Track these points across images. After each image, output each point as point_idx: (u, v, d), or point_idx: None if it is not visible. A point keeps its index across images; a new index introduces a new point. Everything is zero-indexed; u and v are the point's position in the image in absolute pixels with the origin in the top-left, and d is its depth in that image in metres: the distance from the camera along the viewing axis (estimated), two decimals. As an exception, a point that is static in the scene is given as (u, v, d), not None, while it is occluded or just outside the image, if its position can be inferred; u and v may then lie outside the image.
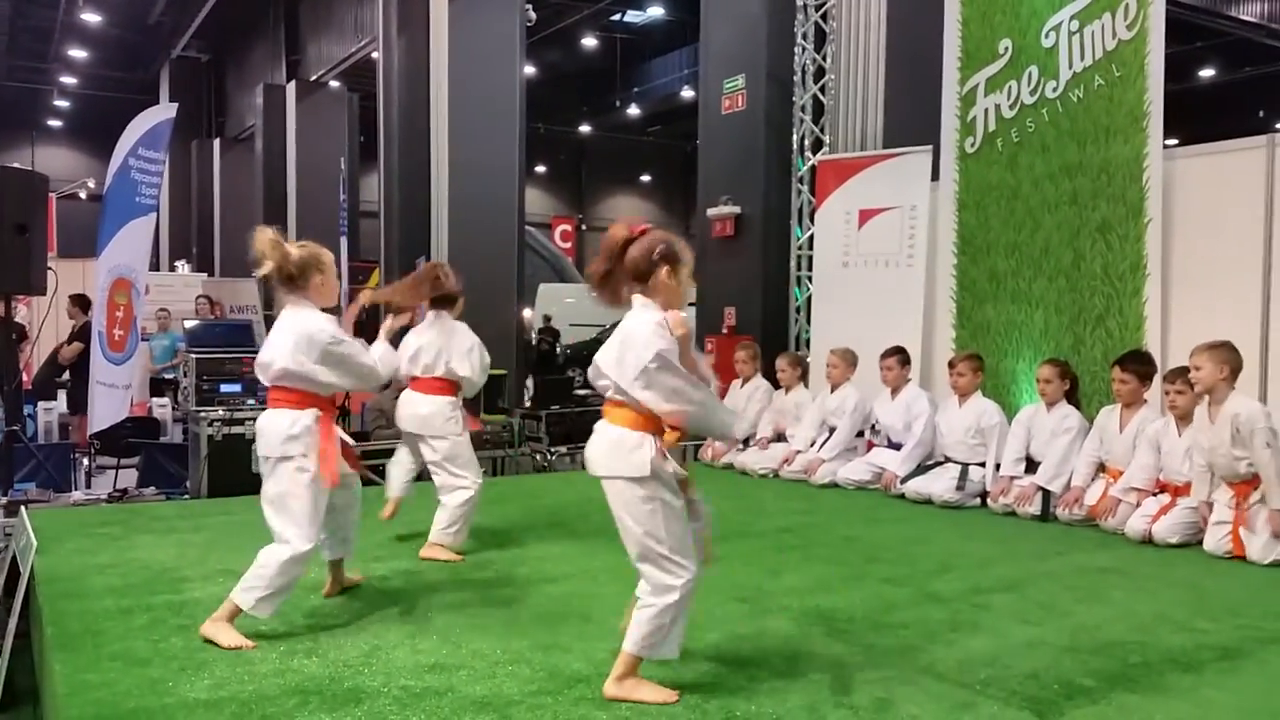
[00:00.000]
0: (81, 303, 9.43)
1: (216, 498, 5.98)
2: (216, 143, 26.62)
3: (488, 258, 12.60)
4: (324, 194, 18.86)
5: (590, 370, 3.03)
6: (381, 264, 14.25)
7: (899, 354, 6.58)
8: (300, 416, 3.44)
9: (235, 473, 6.09)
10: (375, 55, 15.19)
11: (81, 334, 9.16)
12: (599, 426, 2.99)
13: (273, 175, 21.51)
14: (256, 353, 6.47)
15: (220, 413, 6.11)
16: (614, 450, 2.89)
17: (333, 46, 19.94)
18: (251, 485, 5.96)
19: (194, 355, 6.32)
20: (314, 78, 20.93)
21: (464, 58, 13.34)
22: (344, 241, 11.09)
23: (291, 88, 21.15)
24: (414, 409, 4.62)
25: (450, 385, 4.64)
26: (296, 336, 3.42)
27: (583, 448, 7.77)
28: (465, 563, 4.42)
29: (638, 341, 2.83)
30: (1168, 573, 4.45)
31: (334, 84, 21.00)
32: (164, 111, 8.26)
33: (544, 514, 5.57)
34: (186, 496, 6.25)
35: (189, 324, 7.88)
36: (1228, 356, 4.71)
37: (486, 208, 13.00)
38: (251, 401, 6.24)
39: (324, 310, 3.52)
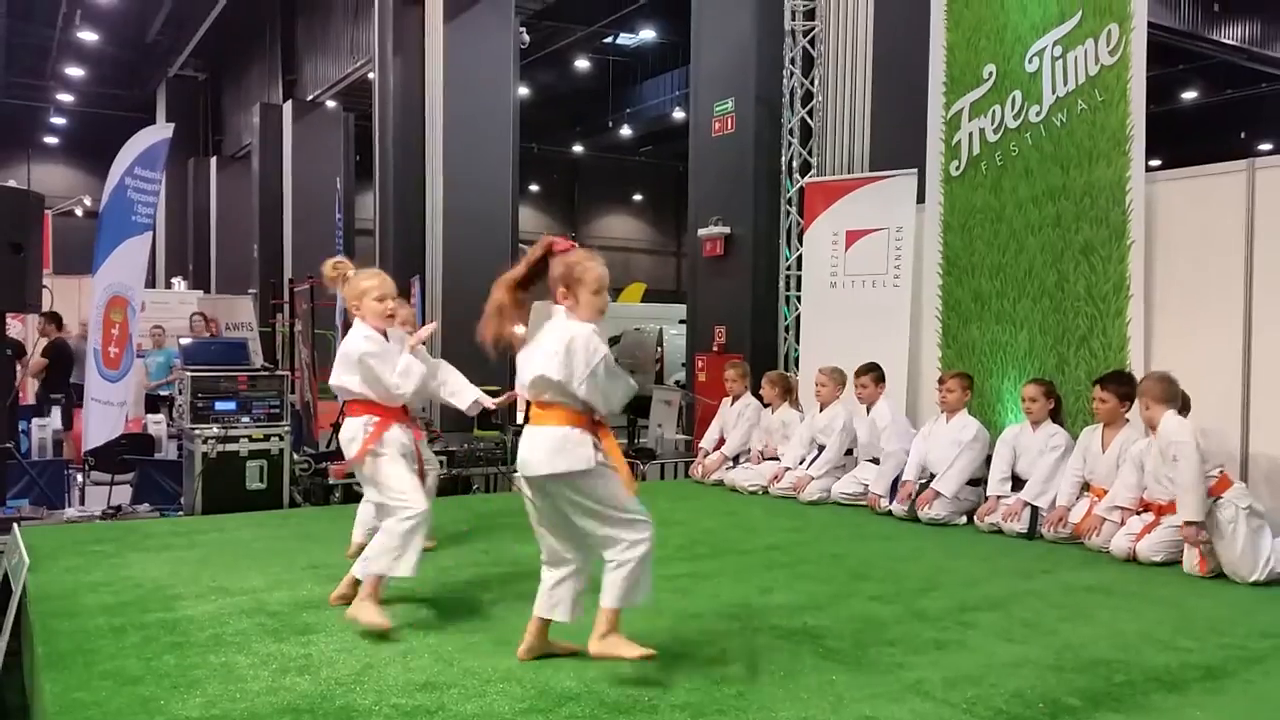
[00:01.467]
0: (55, 319, 9.46)
1: (211, 515, 6.01)
2: (213, 161, 26.73)
3: (481, 276, 12.54)
4: (320, 212, 18.96)
5: (525, 378, 3.26)
6: (376, 282, 14.27)
7: (873, 371, 6.68)
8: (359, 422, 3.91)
9: (229, 490, 6.13)
10: (371, 76, 15.30)
11: (51, 350, 9.19)
12: (530, 430, 3.23)
13: (269, 193, 21.60)
14: (251, 370, 6.59)
15: (215, 430, 6.15)
16: (558, 449, 3.14)
17: (329, 67, 20.07)
18: (245, 503, 6.05)
19: (189, 373, 6.35)
20: (310, 97, 21.05)
21: (459, 78, 13.45)
22: (339, 260, 11.10)
23: (288, 107, 21.26)
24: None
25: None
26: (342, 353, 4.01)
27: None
28: (460, 581, 4.44)
29: (581, 347, 3.12)
30: (1152, 591, 4.50)
31: (330, 104, 21.12)
32: (160, 131, 8.33)
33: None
34: (181, 513, 6.27)
35: (184, 341, 7.91)
36: (1167, 390, 4.95)
37: (480, 226, 13.09)
38: (246, 419, 6.28)
39: (376, 329, 3.99)
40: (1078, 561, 5.09)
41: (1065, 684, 3.25)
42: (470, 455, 7.05)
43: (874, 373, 6.67)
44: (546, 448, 3.16)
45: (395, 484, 3.83)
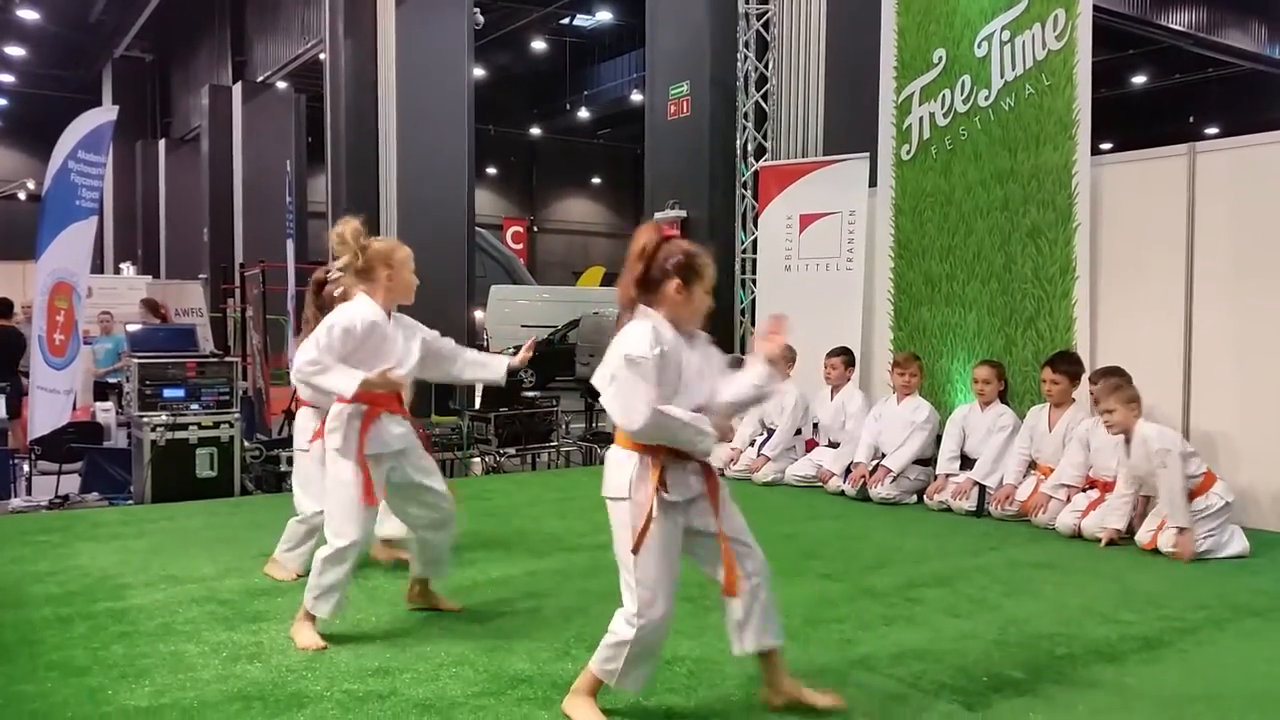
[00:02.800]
0: (4, 306, 9.26)
1: (161, 503, 5.94)
2: (162, 144, 26.21)
3: (438, 259, 12.55)
4: (271, 196, 18.65)
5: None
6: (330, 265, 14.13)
7: (844, 354, 6.76)
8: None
9: (179, 478, 6.05)
10: (323, 56, 15.08)
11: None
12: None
13: (219, 176, 21.24)
14: (200, 357, 6.50)
15: (163, 418, 6.06)
16: (607, 469, 2.76)
17: (279, 47, 19.75)
18: (196, 491, 5.98)
19: (136, 360, 6.25)
20: (261, 79, 20.70)
21: (412, 59, 13.31)
22: (290, 243, 10.97)
23: (238, 89, 20.90)
24: None
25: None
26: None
27: (532, 449, 7.84)
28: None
29: (615, 346, 2.68)
30: (1096, 566, 4.61)
31: (281, 85, 20.79)
32: (104, 114, 8.13)
33: (492, 516, 5.60)
34: (130, 502, 6.19)
35: (131, 328, 7.77)
36: (1132, 393, 4.93)
37: (436, 209, 12.98)
38: (195, 406, 6.20)
39: (400, 307, 3.54)
40: (1024, 538, 5.19)
41: (1009, 658, 3.32)
42: (425, 441, 7.02)
43: (844, 355, 6.76)
44: (607, 466, 2.80)
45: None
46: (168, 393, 6.17)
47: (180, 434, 6.09)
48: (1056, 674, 3.19)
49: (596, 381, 2.73)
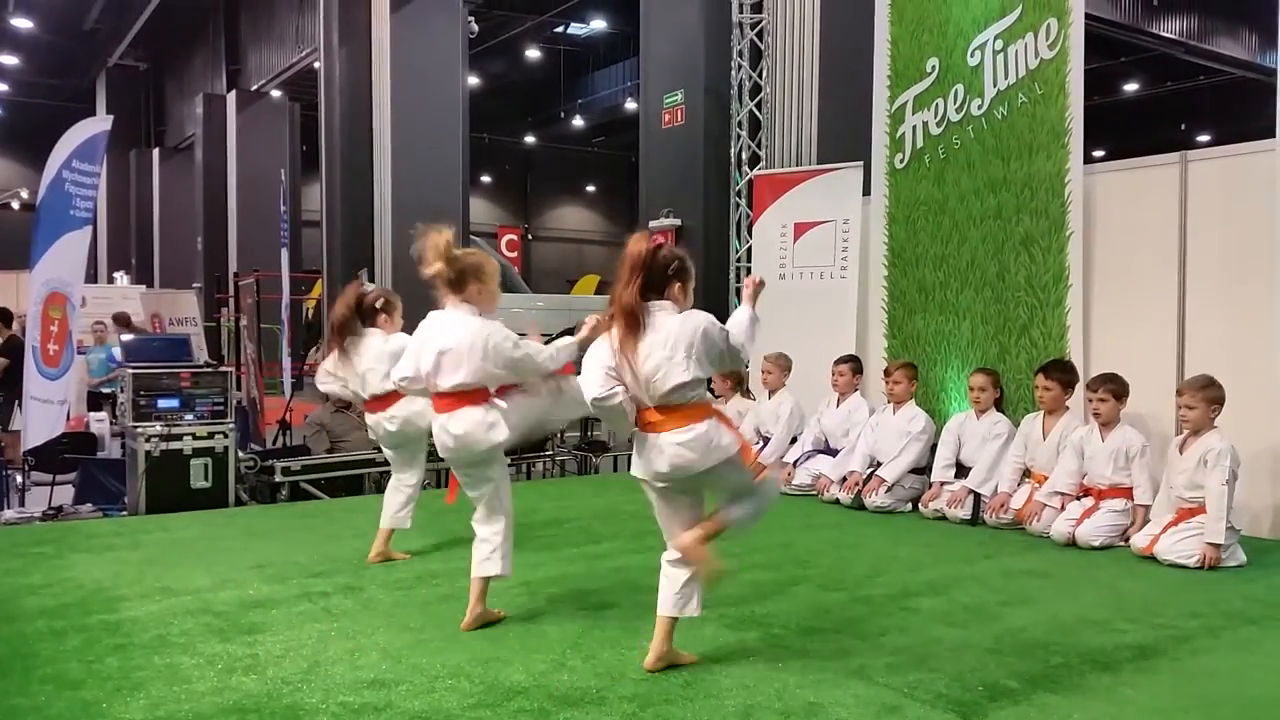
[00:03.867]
0: (3, 316, 9.23)
1: (155, 514, 5.92)
2: (156, 152, 26.21)
3: (432, 268, 12.56)
4: (265, 204, 18.67)
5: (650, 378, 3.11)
6: (324, 274, 14.14)
7: (852, 362, 6.77)
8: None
9: (174, 489, 6.03)
10: (317, 65, 15.11)
11: (6, 349, 8.97)
12: (660, 439, 3.11)
13: (213, 185, 21.26)
14: (194, 367, 6.49)
15: (158, 428, 6.05)
16: (708, 448, 3.10)
17: (274, 56, 19.78)
18: (190, 501, 5.97)
19: (130, 370, 6.24)
20: (255, 87, 20.74)
21: (407, 68, 13.35)
22: (284, 252, 10.96)
23: (232, 97, 20.93)
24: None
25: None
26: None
27: (528, 457, 7.80)
28: (409, 577, 4.43)
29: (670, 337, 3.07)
30: (1090, 575, 4.62)
31: (275, 93, 20.83)
32: (99, 124, 8.12)
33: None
34: (124, 513, 6.17)
35: (125, 338, 7.75)
36: (1216, 395, 4.87)
37: (430, 216, 12.78)
38: (190, 417, 6.18)
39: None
40: (1019, 546, 5.20)
41: (1004, 667, 3.33)
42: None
43: (852, 363, 6.77)
44: (697, 451, 3.10)
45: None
46: (162, 403, 6.16)
47: (175, 444, 6.08)
48: (1052, 683, 3.19)
49: (674, 374, 3.06)
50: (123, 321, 11.06)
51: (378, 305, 4.63)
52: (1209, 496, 4.72)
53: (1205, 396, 4.84)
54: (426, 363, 3.65)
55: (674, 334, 3.06)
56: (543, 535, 5.33)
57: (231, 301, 12.18)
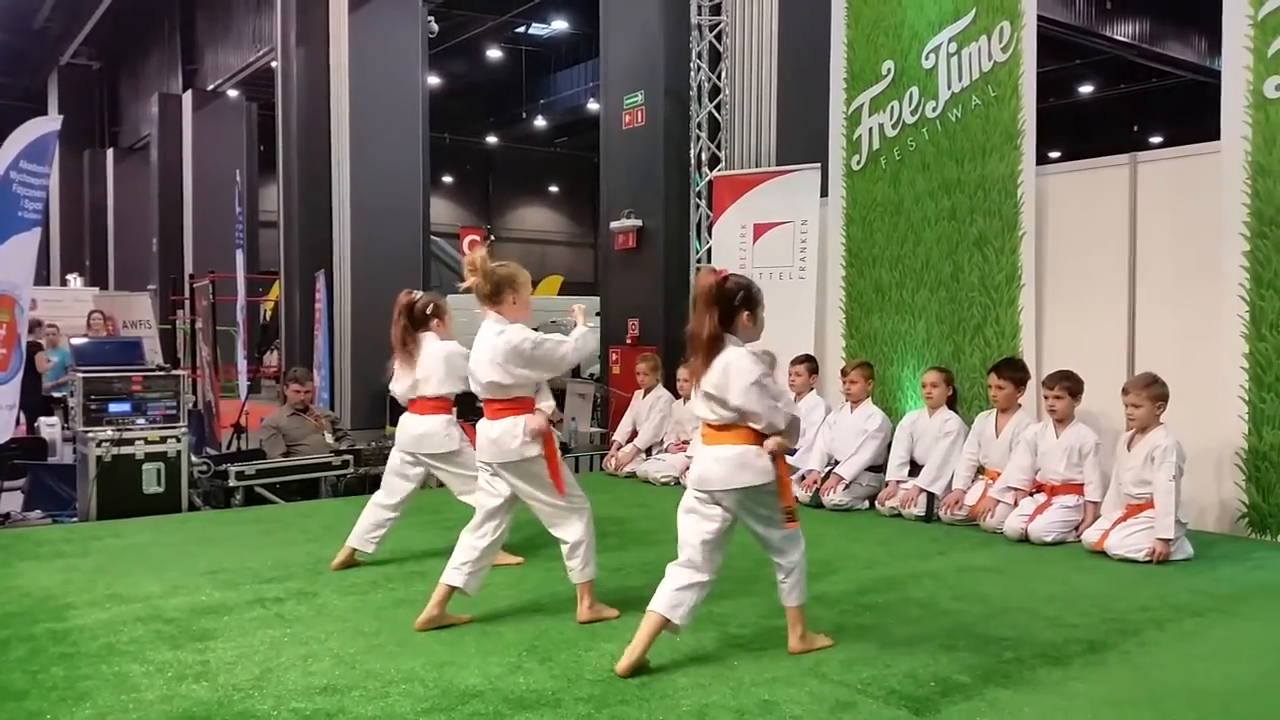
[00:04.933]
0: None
1: (106, 520, 5.82)
2: (110, 153, 25.77)
3: (392, 268, 12.49)
4: (222, 206, 18.44)
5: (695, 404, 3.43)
6: (281, 275, 13.99)
7: (808, 362, 6.81)
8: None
9: (126, 494, 5.94)
10: (274, 65, 14.93)
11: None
12: (706, 451, 3.39)
13: (169, 186, 20.95)
14: (146, 370, 6.39)
15: (109, 433, 5.95)
16: (739, 465, 3.31)
17: (230, 56, 19.53)
18: (142, 507, 5.88)
19: (80, 374, 6.13)
20: (211, 87, 20.46)
21: (365, 67, 13.23)
22: (240, 254, 10.84)
23: (188, 97, 20.64)
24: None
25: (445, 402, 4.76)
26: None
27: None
28: (363, 582, 4.39)
29: (730, 378, 3.27)
30: (1043, 570, 4.68)
31: (232, 93, 20.56)
32: (48, 123, 7.96)
33: (446, 529, 5.55)
34: (75, 519, 6.06)
35: (76, 341, 7.62)
36: (1160, 392, 4.96)
37: (390, 217, 12.91)
38: (142, 421, 6.09)
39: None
40: (973, 543, 5.26)
41: (957, 662, 3.36)
42: (379, 453, 6.95)
43: (808, 363, 6.82)
44: (726, 466, 3.33)
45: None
46: (113, 407, 6.06)
47: (126, 449, 5.99)
48: (1003, 678, 3.23)
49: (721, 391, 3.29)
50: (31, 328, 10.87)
51: (428, 311, 4.75)
52: (1157, 492, 4.81)
53: (1150, 394, 4.93)
54: (473, 373, 3.88)
55: (727, 362, 3.30)
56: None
57: (187, 304, 12.03)
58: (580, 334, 3.88)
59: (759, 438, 3.33)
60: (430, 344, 4.69)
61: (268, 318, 16.45)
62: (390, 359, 4.81)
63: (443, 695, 3.04)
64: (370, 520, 4.71)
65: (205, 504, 6.41)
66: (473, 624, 3.75)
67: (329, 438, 7.05)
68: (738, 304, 3.34)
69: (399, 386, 4.81)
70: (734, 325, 3.34)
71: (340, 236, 13.11)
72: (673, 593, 3.33)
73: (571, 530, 3.84)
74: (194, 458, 6.45)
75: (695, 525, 3.42)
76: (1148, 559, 4.74)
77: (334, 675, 3.20)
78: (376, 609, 3.97)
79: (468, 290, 3.84)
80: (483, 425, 3.83)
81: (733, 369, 3.28)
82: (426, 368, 4.66)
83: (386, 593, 4.21)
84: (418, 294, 4.72)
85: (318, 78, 13.70)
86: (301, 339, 12.73)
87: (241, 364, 10.56)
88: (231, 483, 6.33)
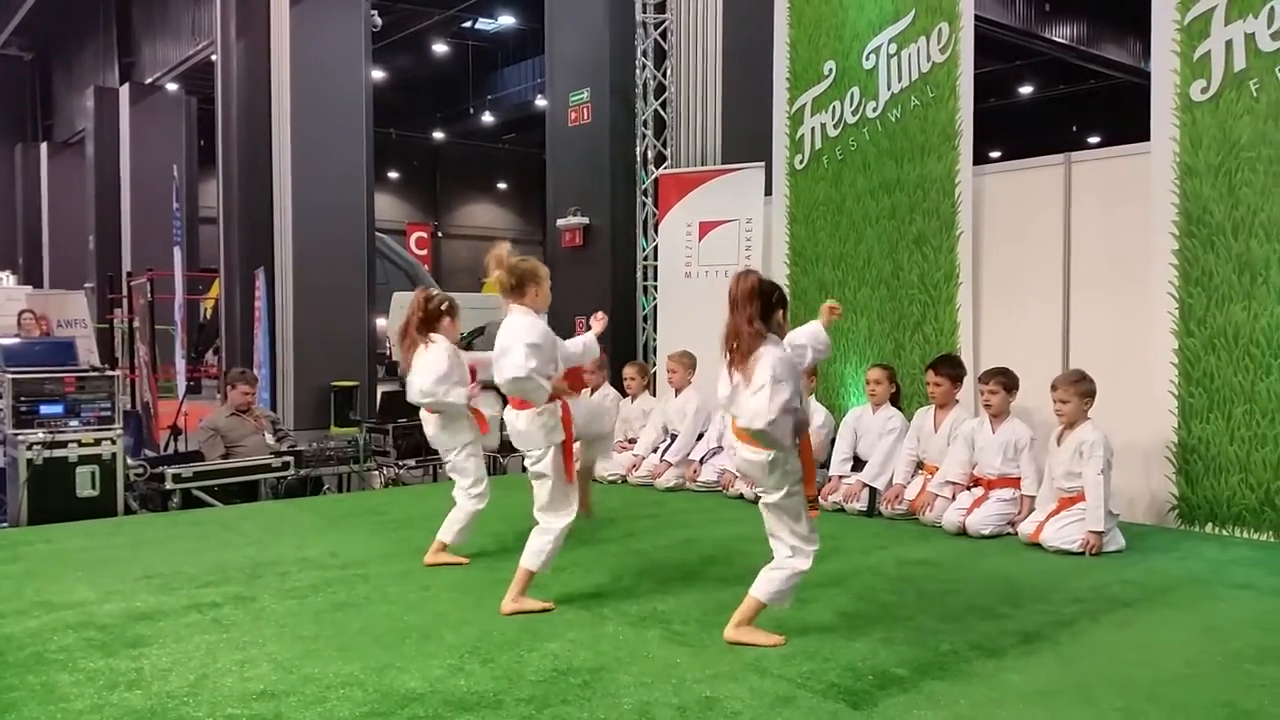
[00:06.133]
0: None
1: (38, 525, 5.68)
2: (44, 147, 25.09)
3: (336, 265, 12.35)
4: (160, 201, 18.07)
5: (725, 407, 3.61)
6: (221, 272, 13.74)
7: None
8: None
9: (58, 498, 5.81)
10: (214, 58, 14.65)
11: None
12: (745, 450, 3.54)
13: (105, 182, 20.47)
14: (79, 371, 6.25)
15: (41, 435, 5.81)
16: (770, 463, 3.49)
17: (169, 48, 19.14)
18: (76, 511, 5.74)
19: (10, 375, 5.97)
20: (149, 80, 20.03)
21: (308, 61, 13.03)
22: (178, 251, 10.63)
23: (125, 90, 20.17)
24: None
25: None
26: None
27: (434, 460, 7.71)
28: (303, 586, 4.34)
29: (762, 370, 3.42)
30: (980, 563, 4.77)
31: (171, 87, 20.14)
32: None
33: (389, 531, 5.52)
34: (5, 525, 5.91)
35: (5, 342, 7.42)
36: (1088, 389, 5.06)
37: (334, 214, 12.73)
38: (75, 423, 5.95)
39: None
40: (913, 536, 5.35)
41: (895, 655, 3.41)
42: (321, 454, 6.87)
43: None
44: (758, 468, 3.51)
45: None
46: (45, 409, 5.91)
47: (59, 452, 5.85)
48: (940, 670, 3.29)
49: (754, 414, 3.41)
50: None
51: (442, 309, 4.84)
52: (1087, 485, 4.93)
53: (1078, 390, 5.05)
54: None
55: (759, 368, 3.43)
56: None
57: (125, 302, 11.77)
58: (590, 337, 4.22)
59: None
60: (439, 345, 4.75)
61: (208, 316, 16.14)
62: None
63: (382, 699, 3.02)
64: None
65: (142, 507, 6.29)
66: (412, 627, 3.72)
67: (269, 439, 6.96)
68: (775, 302, 3.53)
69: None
70: (770, 323, 3.49)
71: (282, 233, 12.90)
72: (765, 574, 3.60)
73: (557, 519, 3.95)
74: (130, 460, 6.32)
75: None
76: (1081, 550, 4.85)
77: (271, 680, 3.16)
78: (316, 613, 3.92)
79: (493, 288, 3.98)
80: (509, 415, 4.00)
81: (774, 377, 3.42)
82: (423, 367, 4.70)
83: (327, 596, 4.16)
84: (435, 291, 4.89)
85: (258, 71, 13.47)
86: (242, 338, 12.52)
87: (180, 364, 10.36)
88: (168, 485, 6.22)
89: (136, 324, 10.35)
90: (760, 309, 3.46)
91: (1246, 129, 5.19)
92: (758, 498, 6.09)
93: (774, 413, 3.37)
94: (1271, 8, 5.07)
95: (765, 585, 3.55)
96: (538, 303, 4.06)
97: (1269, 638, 3.61)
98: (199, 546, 5.09)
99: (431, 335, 4.75)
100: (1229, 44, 5.21)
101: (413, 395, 4.75)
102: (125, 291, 11.61)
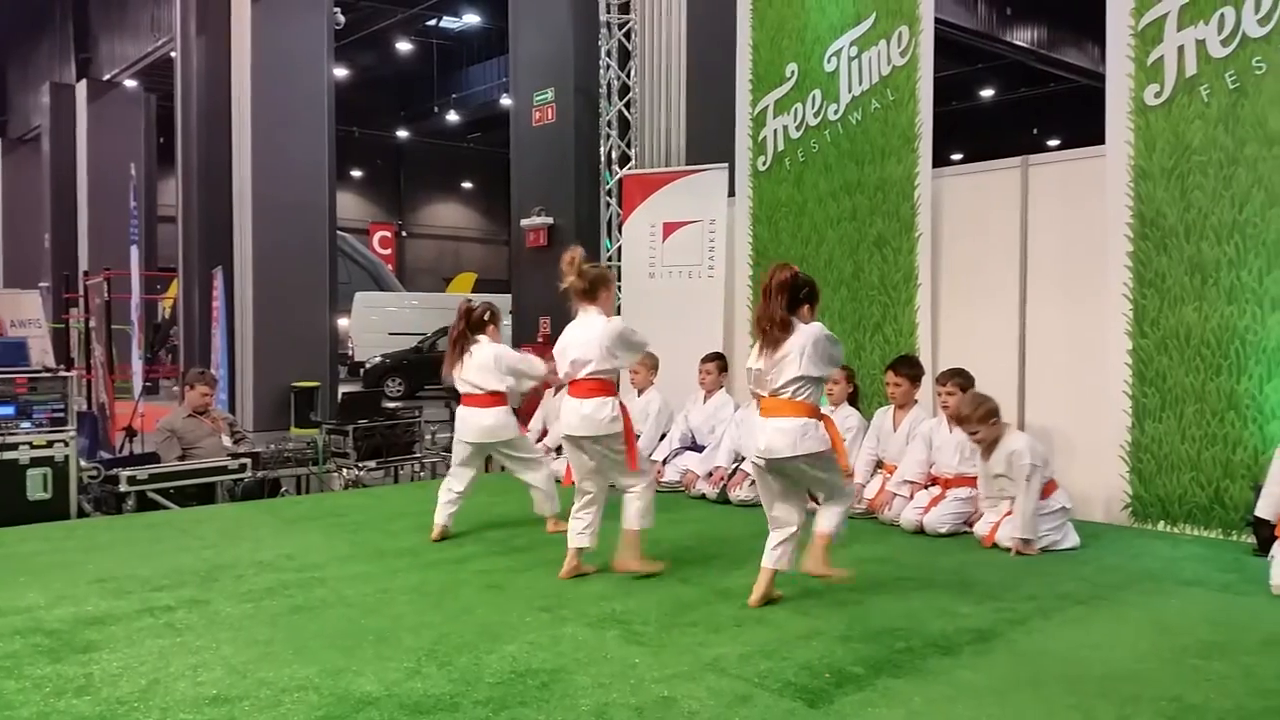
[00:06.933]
0: None
1: (-14, 529, 5.57)
2: (-2, 143, 24.65)
3: (297, 265, 12.25)
4: (118, 199, 17.82)
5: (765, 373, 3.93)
6: (180, 271, 13.56)
7: (718, 360, 6.88)
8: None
9: (9, 501, 5.69)
10: (174, 54, 14.47)
11: None
12: (767, 422, 3.90)
13: (62, 179, 20.17)
14: (31, 372, 6.13)
15: (-10, 438, 5.69)
16: (801, 436, 3.85)
17: (127, 44, 18.88)
18: (27, 514, 5.63)
19: (-41, 377, 5.86)
20: (107, 77, 19.76)
21: (269, 59, 12.91)
22: (135, 250, 10.47)
23: (82, 86, 19.87)
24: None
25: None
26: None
27: (394, 462, 7.65)
28: (258, 589, 4.29)
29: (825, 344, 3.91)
30: (936, 561, 4.81)
31: (129, 84, 19.87)
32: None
33: (348, 533, 5.47)
34: (-47, 529, 5.78)
35: (-44, 342, 7.27)
36: (990, 410, 5.07)
37: (295, 213, 12.62)
38: (26, 424, 5.84)
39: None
40: (871, 535, 5.38)
41: (851, 653, 3.44)
42: (278, 456, 6.79)
43: (719, 361, 6.87)
44: (789, 437, 3.85)
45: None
46: (-5, 410, 5.80)
47: (9, 454, 5.74)
48: (895, 668, 3.32)
49: (787, 370, 3.87)
50: None
51: (485, 317, 5.24)
52: (1016, 494, 4.98)
53: (980, 415, 5.03)
54: (568, 356, 4.44)
55: (796, 341, 3.85)
56: (404, 541, 5.24)
57: (81, 302, 11.57)
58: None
59: (815, 412, 3.89)
60: (483, 347, 5.18)
61: (167, 316, 15.93)
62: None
63: (337, 703, 2.99)
64: (441, 501, 5.24)
65: (96, 510, 6.18)
66: (369, 630, 3.69)
67: (227, 440, 6.87)
68: (803, 296, 3.91)
69: (464, 386, 5.26)
70: (798, 313, 3.88)
71: (242, 232, 12.77)
72: (772, 549, 4.02)
73: (642, 481, 4.48)
74: (83, 462, 6.21)
75: (769, 493, 4.05)
76: (1022, 553, 4.89)
77: (224, 685, 3.12)
78: (272, 616, 3.88)
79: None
80: (572, 403, 4.41)
81: (816, 342, 3.87)
82: (477, 368, 5.15)
83: (283, 599, 4.11)
84: (475, 300, 5.31)
85: (219, 69, 13.33)
86: (201, 338, 12.37)
87: (136, 364, 10.21)
88: (123, 488, 6.11)
89: (93, 324, 10.17)
90: (788, 301, 3.86)
91: (1198, 133, 5.28)
92: (721, 497, 6.21)
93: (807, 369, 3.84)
94: (1222, 15, 5.17)
95: (831, 519, 4.05)
96: (609, 306, 4.49)
97: (1216, 633, 3.68)
98: (153, 550, 5.02)
99: (478, 338, 5.17)
100: (1181, 50, 5.30)
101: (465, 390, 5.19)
102: (81, 291, 11.41)
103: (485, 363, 5.14)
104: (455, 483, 5.26)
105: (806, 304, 3.93)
